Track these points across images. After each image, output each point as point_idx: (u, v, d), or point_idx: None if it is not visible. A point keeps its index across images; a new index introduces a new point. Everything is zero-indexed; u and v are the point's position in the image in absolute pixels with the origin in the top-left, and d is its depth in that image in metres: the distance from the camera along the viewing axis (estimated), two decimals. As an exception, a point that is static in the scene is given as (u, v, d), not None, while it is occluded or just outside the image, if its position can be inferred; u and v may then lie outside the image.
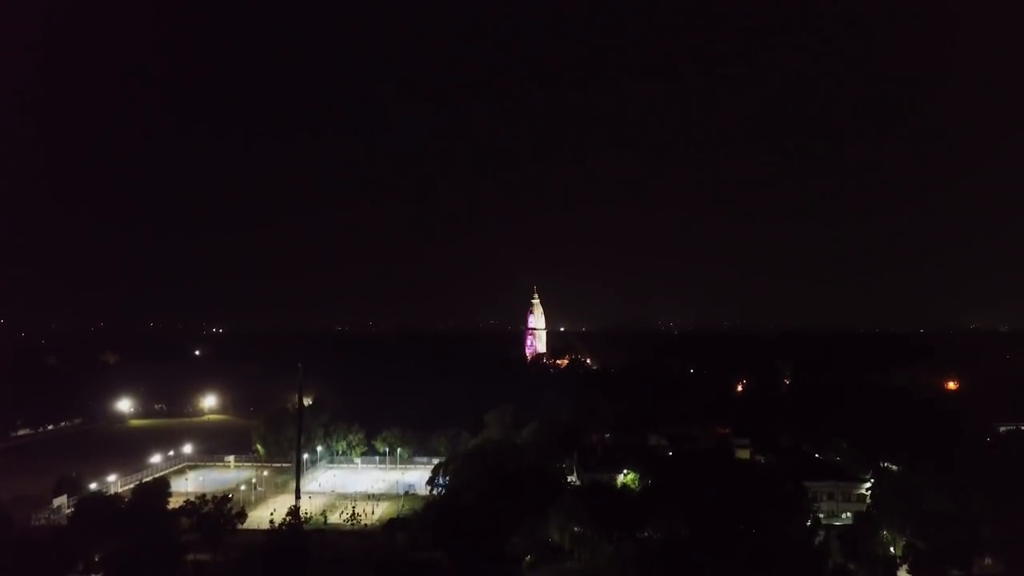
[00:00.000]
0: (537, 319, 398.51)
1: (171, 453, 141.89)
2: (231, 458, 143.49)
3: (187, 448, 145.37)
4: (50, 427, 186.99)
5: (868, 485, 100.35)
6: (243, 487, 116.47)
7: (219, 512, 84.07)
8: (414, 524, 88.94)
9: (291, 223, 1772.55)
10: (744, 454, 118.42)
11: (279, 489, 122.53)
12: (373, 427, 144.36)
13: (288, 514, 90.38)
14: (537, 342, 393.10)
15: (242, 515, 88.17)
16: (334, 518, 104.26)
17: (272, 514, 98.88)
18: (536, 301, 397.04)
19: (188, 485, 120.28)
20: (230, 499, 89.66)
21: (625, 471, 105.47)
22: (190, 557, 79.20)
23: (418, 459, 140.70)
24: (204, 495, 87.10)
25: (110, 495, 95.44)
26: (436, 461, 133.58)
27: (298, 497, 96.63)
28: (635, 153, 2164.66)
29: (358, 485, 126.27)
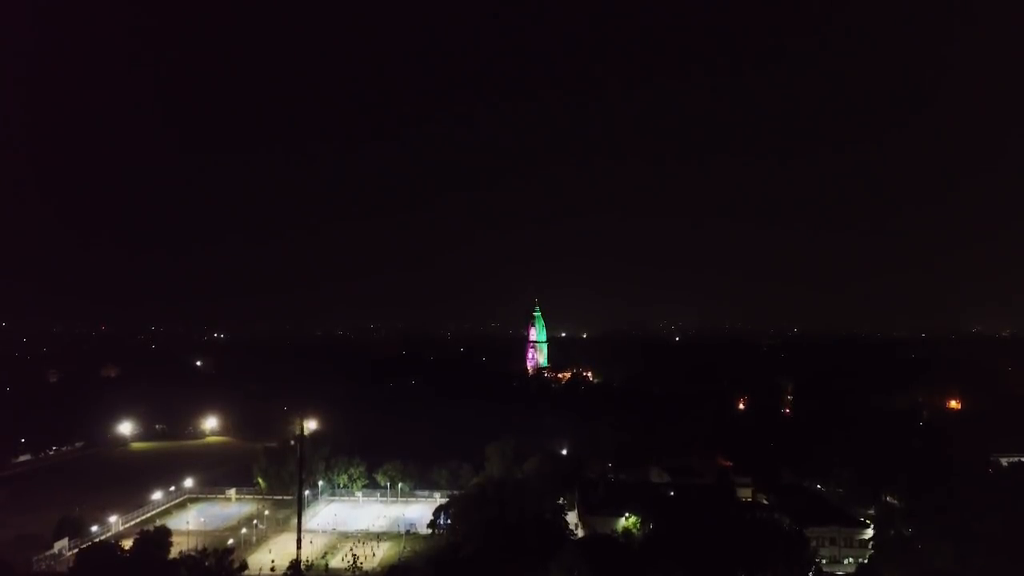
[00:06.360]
0: (538, 332, 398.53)
1: (172, 488, 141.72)
2: (232, 491, 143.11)
3: (188, 482, 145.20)
4: (52, 451, 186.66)
5: (871, 532, 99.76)
6: (244, 529, 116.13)
7: (220, 566, 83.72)
8: (415, 573, 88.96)
9: (296, 230, 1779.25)
10: (746, 493, 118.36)
11: (280, 526, 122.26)
12: (374, 459, 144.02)
13: (289, 567, 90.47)
14: (538, 355, 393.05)
15: (243, 567, 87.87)
16: (335, 562, 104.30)
17: (272, 562, 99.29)
18: (537, 314, 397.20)
19: (189, 522, 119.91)
20: (231, 551, 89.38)
21: (627, 515, 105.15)
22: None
23: (419, 492, 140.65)
24: (205, 548, 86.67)
25: (111, 543, 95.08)
26: (438, 495, 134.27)
27: (299, 547, 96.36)
28: (637, 159, 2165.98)
29: (359, 522, 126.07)
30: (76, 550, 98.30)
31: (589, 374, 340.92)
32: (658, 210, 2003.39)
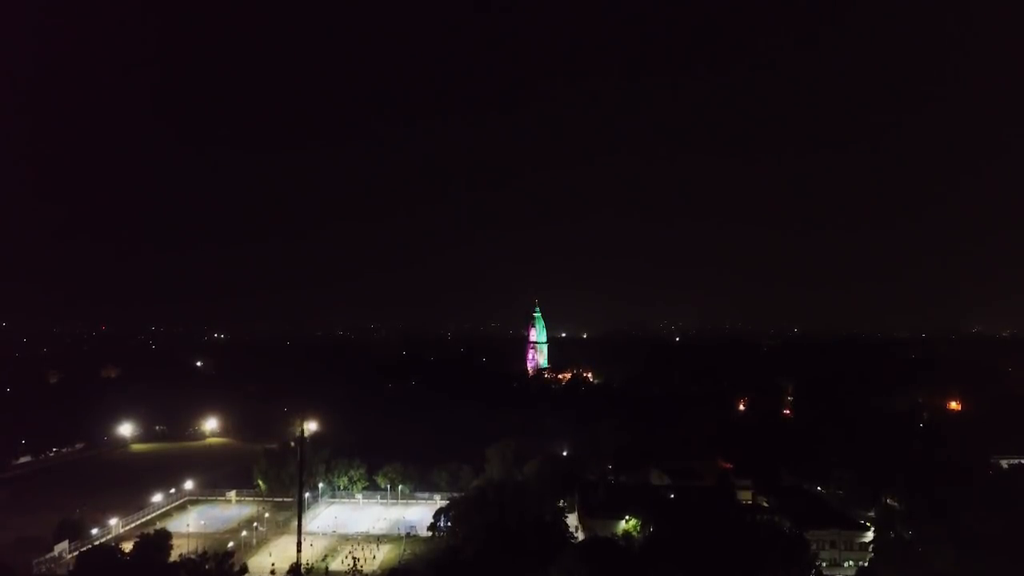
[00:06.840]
0: (538, 332, 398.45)
1: (172, 490, 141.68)
2: (232, 493, 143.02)
3: (188, 484, 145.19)
4: (52, 453, 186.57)
5: (871, 535, 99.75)
6: (244, 532, 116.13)
7: (220, 570, 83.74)
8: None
9: (296, 231, 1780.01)
10: (746, 495, 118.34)
11: (280, 528, 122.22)
12: (374, 461, 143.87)
13: (289, 570, 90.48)
14: (539, 355, 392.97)
15: (243, 570, 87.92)
16: (335, 564, 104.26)
17: (273, 565, 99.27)
18: (537, 314, 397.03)
19: (189, 524, 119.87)
20: (232, 554, 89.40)
21: (627, 517, 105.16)
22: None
23: (419, 495, 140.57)
24: (205, 551, 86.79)
25: (111, 546, 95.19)
26: (438, 497, 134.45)
27: (299, 549, 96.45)
28: (636, 159, 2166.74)
29: (360, 524, 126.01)
30: (76, 553, 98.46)
31: (589, 375, 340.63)
32: (658, 210, 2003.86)
